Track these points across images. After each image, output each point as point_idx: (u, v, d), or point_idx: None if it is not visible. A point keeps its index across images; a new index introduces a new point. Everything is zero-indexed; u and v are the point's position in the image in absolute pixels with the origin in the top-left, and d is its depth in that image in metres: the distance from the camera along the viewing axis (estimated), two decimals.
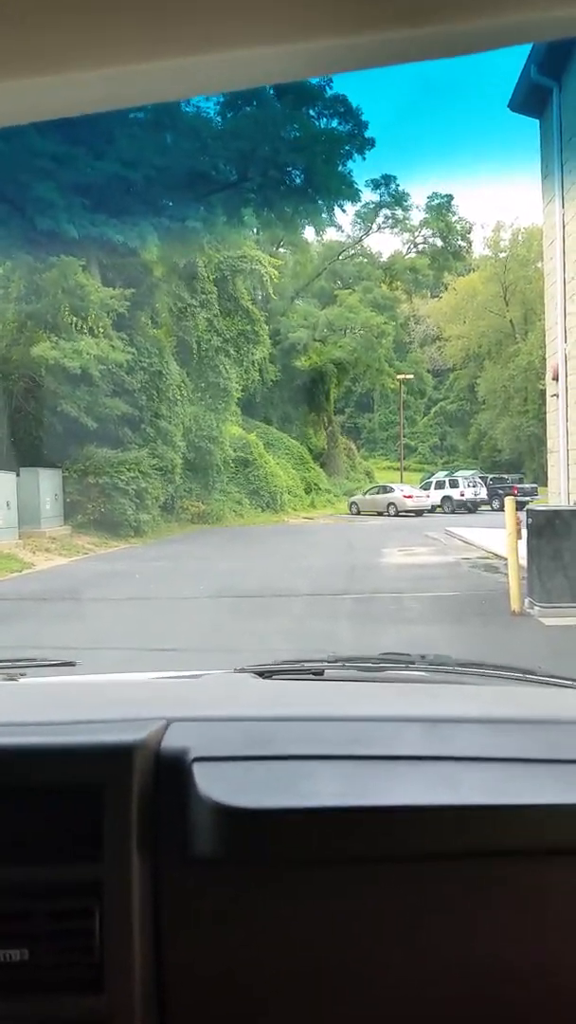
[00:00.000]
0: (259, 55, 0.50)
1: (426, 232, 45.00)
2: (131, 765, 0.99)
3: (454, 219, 44.99)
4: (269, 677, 1.58)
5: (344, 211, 35.58)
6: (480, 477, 34.08)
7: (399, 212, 41.04)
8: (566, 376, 11.52)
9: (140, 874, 0.97)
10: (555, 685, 1.52)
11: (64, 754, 1.01)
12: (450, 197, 43.73)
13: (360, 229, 43.19)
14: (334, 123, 22.58)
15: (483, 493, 31.76)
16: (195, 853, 0.97)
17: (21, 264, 18.72)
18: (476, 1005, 0.97)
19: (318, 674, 1.60)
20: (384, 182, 36.89)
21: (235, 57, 0.50)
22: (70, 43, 0.49)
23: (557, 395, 11.89)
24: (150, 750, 1.02)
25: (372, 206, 39.67)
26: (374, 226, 42.43)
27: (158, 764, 1.01)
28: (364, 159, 23.14)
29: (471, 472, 36.05)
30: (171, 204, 19.14)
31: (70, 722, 1.09)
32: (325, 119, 22.50)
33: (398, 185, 37.37)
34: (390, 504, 30.05)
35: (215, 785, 0.98)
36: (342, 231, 42.84)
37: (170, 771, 1.01)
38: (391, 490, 31.44)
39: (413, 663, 1.62)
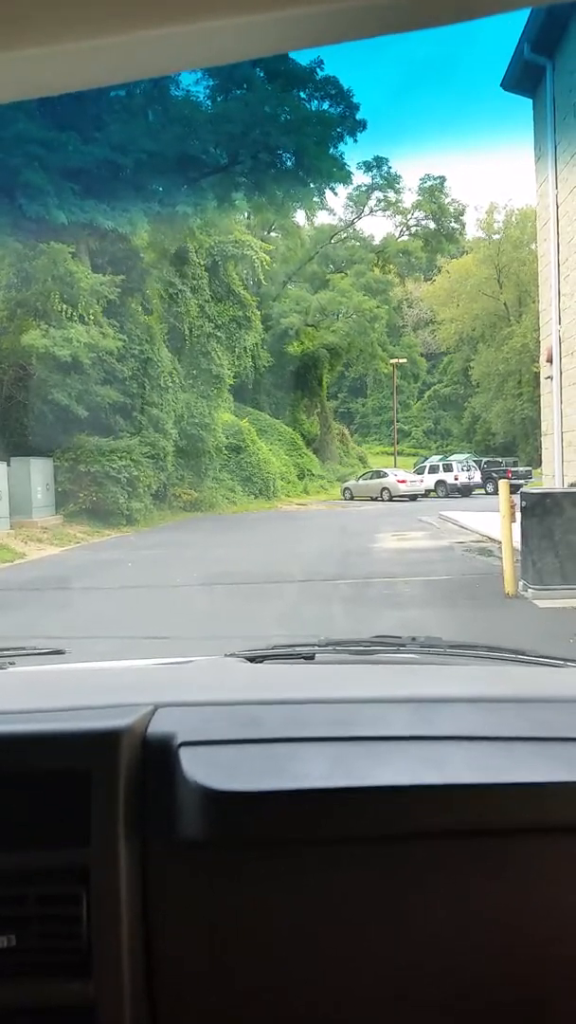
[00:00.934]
0: (255, 23, 0.49)
1: (419, 214, 44.81)
2: (118, 751, 0.98)
3: (447, 201, 44.81)
4: (259, 661, 1.58)
5: (336, 194, 35.57)
6: (474, 461, 34.14)
7: (391, 194, 40.90)
8: (560, 358, 11.50)
9: (127, 859, 0.97)
10: (545, 664, 1.52)
11: (51, 741, 1.01)
12: (443, 179, 43.56)
13: (352, 212, 43.06)
14: (325, 105, 22.40)
15: (477, 477, 31.82)
16: (182, 837, 0.97)
17: (10, 251, 18.55)
18: (465, 984, 0.97)
19: (309, 658, 1.60)
20: (376, 164, 36.77)
21: (231, 25, 0.49)
22: (60, 15, 0.48)
23: (551, 377, 11.88)
24: (137, 735, 1.01)
25: (364, 188, 39.54)
26: (366, 209, 42.26)
27: (145, 749, 1.01)
28: (356, 141, 22.95)
29: (465, 456, 36.10)
30: (161, 189, 18.98)
31: (57, 709, 1.08)
32: (316, 101, 22.33)
33: (390, 167, 37.25)
34: (384, 489, 30.08)
35: (202, 769, 0.97)
36: (334, 214, 42.76)
37: (157, 756, 1.00)
38: (385, 475, 31.46)
39: (404, 646, 1.61)
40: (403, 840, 0.97)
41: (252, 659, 1.59)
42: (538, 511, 8.17)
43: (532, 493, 8.57)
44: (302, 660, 1.61)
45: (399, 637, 1.66)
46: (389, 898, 0.97)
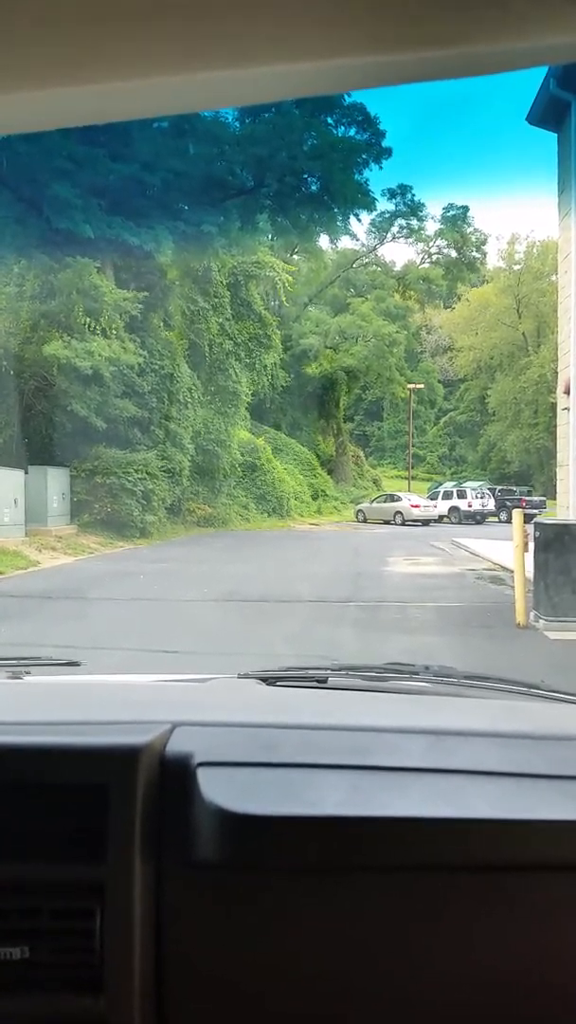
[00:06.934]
0: (271, 73, 0.51)
1: (441, 243, 45.01)
2: (136, 768, 0.99)
3: (469, 230, 44.98)
4: (273, 683, 1.58)
5: (359, 220, 35.67)
6: (488, 488, 34.05)
7: (414, 222, 41.10)
8: None
9: (142, 877, 0.97)
10: (560, 700, 1.52)
11: (70, 754, 1.01)
12: (466, 208, 43.74)
13: (375, 238, 43.30)
14: (351, 132, 22.71)
15: (491, 505, 31.72)
16: (197, 858, 0.97)
17: (36, 263, 18.80)
18: (474, 1018, 0.96)
19: (322, 682, 1.60)
20: (400, 192, 37.02)
21: (247, 74, 0.51)
22: (84, 55, 0.50)
23: (568, 409, 11.86)
24: (155, 753, 1.02)
25: (387, 215, 39.77)
26: (389, 235, 42.50)
27: (163, 768, 1.02)
28: (380, 168, 23.28)
29: (479, 483, 36.01)
30: (187, 208, 19.23)
31: (76, 722, 1.09)
32: (343, 127, 22.63)
33: (414, 195, 37.48)
34: (397, 513, 30.03)
35: (219, 790, 0.98)
36: (356, 240, 42.97)
37: (174, 775, 1.01)
38: (398, 499, 31.42)
39: (417, 674, 1.61)
40: (417, 872, 0.97)
41: (267, 680, 1.59)
42: (552, 542, 8.14)
43: (547, 524, 8.54)
44: (316, 683, 1.61)
45: (412, 665, 1.65)
46: (401, 928, 0.97)
